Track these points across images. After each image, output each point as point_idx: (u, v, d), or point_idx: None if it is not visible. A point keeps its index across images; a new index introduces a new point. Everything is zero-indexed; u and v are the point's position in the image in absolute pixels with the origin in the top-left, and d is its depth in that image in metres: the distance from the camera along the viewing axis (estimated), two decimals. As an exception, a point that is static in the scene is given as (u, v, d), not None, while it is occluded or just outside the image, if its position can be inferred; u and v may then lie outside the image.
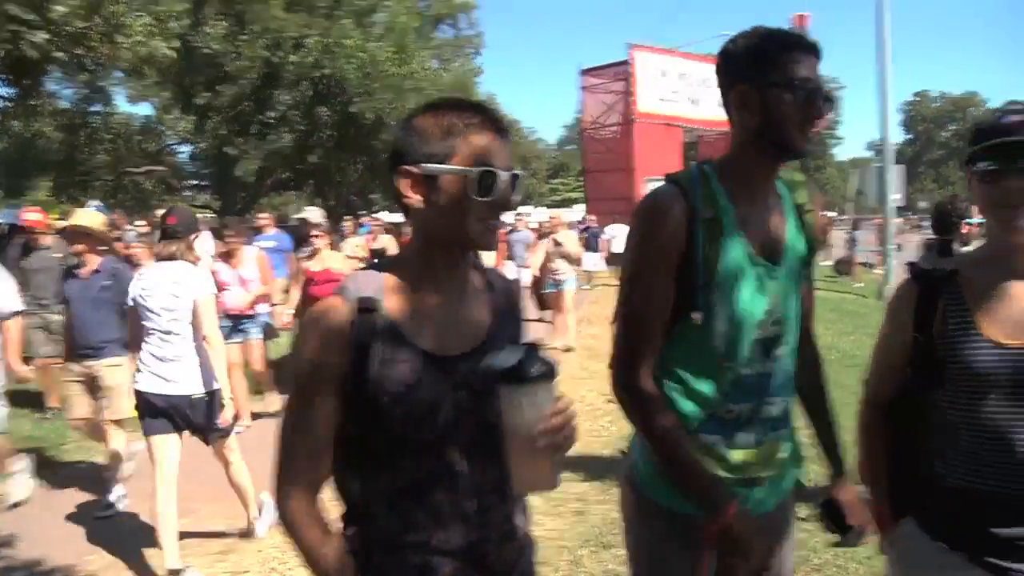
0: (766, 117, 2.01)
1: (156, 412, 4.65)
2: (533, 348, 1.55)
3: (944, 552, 2.04)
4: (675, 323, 2.05)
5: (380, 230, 14.17)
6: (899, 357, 2.17)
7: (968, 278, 2.06)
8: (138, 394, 4.70)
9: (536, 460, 1.56)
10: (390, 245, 12.52)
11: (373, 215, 21.83)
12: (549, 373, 1.54)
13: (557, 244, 11.76)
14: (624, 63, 29.66)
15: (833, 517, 2.28)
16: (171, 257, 4.73)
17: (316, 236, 7.77)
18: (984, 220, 2.09)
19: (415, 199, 1.61)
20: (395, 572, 1.64)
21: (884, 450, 2.25)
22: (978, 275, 2.05)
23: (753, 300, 2.06)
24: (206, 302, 4.74)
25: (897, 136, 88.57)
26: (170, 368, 4.67)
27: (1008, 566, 1.96)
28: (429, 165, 1.58)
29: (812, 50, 2.04)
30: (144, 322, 4.70)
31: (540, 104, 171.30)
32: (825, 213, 7.33)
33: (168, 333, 4.68)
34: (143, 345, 4.72)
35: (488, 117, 1.64)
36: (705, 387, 2.06)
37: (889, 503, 2.23)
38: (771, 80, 1.99)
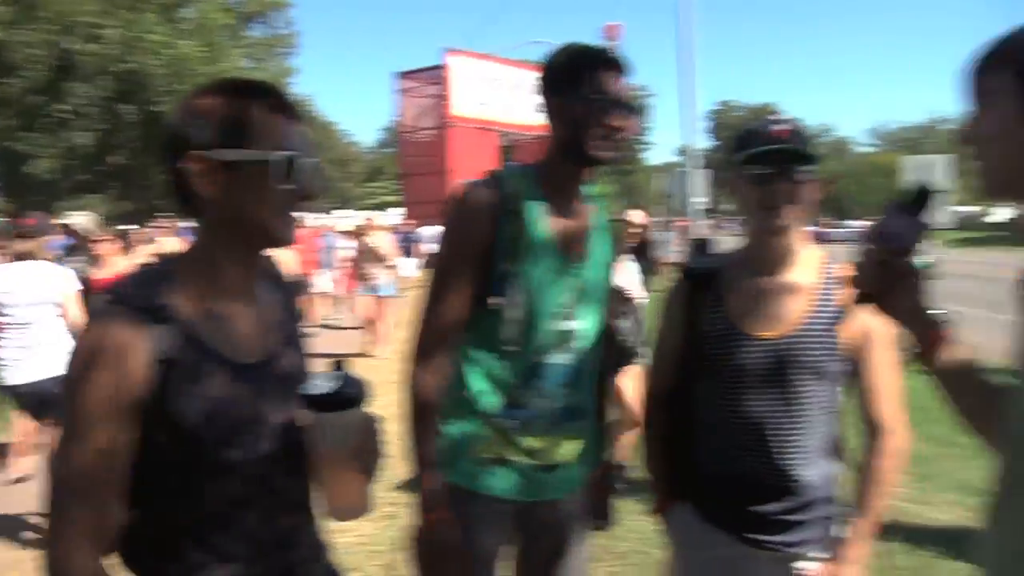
0: (571, 130, 2.13)
1: (40, 399, 4.91)
2: (343, 372, 1.49)
3: (711, 531, 2.22)
4: (477, 309, 2.13)
5: (169, 231, 12.26)
6: (673, 352, 2.31)
7: (729, 276, 2.22)
8: (10, 389, 5.01)
9: (349, 486, 1.51)
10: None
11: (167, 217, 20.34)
12: (360, 397, 1.49)
13: (370, 248, 11.46)
14: (440, 67, 29.76)
15: (591, 505, 2.43)
16: (28, 255, 5.09)
17: (99, 241, 7.18)
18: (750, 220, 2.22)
19: (206, 188, 1.43)
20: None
21: (663, 440, 2.39)
22: (737, 273, 2.22)
23: (550, 292, 2.16)
24: (71, 298, 5.10)
25: (704, 142, 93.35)
26: (39, 354, 4.95)
27: (765, 539, 2.15)
28: (224, 151, 1.41)
29: (616, 65, 2.15)
30: (3, 319, 4.97)
31: (357, 106, 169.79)
32: (633, 216, 7.65)
33: (31, 324, 4.98)
34: (4, 343, 4.98)
35: (282, 99, 1.50)
36: (502, 372, 2.16)
37: (668, 489, 2.37)
38: (576, 95, 2.11)
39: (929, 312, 1.54)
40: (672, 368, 2.33)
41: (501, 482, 2.18)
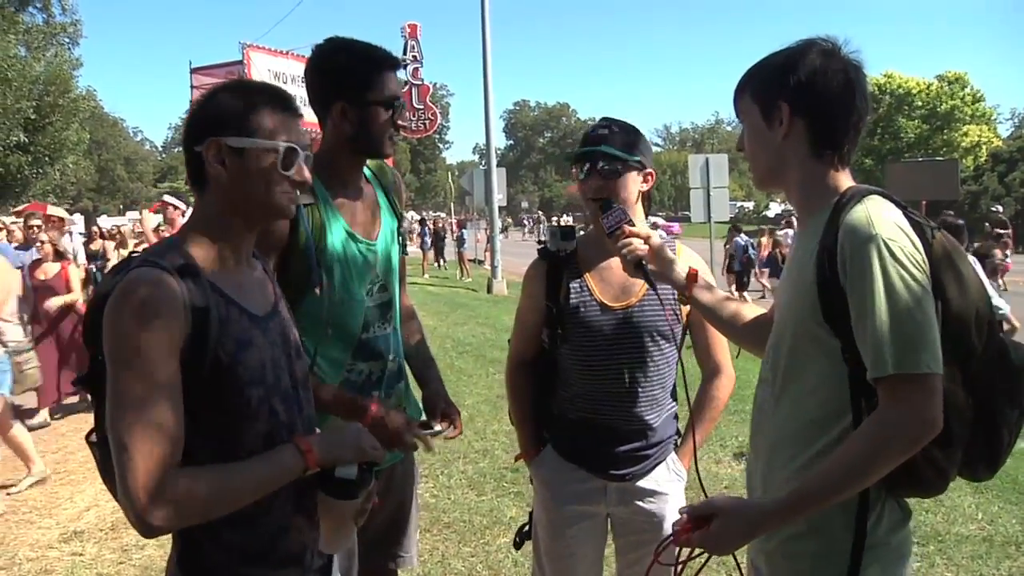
0: (363, 130, 2.31)
1: None
2: (362, 465, 1.78)
3: (575, 469, 2.59)
4: (301, 299, 2.24)
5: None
6: (535, 322, 2.66)
7: (584, 256, 2.59)
8: None
9: (341, 531, 1.85)
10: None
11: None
12: (367, 483, 1.79)
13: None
14: (238, 63, 28.84)
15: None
16: None
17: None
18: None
19: (217, 169, 1.67)
20: (251, 541, 1.71)
21: (527, 397, 2.73)
22: (590, 253, 2.59)
23: (359, 273, 2.37)
24: None
25: (500, 141, 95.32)
26: None
27: (620, 473, 2.56)
28: (240, 138, 1.67)
29: (396, 65, 2.42)
30: None
31: (147, 102, 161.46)
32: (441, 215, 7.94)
33: None
34: None
35: (287, 98, 1.78)
36: (335, 352, 2.34)
37: (534, 438, 2.72)
38: (367, 99, 2.31)
39: (676, 267, 2.15)
40: (534, 336, 2.68)
41: None
